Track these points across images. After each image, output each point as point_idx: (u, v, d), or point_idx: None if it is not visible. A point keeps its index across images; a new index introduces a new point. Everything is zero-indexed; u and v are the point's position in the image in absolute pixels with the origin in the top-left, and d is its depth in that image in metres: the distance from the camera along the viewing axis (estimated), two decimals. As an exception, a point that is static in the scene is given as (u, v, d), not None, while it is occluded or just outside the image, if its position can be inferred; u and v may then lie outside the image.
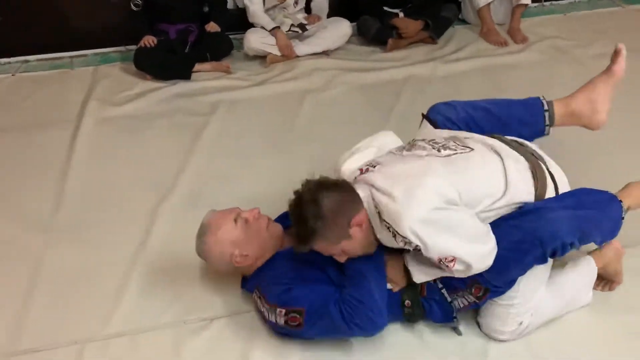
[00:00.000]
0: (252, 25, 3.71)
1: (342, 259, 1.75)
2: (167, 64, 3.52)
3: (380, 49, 3.78)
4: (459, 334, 1.88)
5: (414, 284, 1.80)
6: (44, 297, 2.11)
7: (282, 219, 2.00)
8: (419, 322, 1.89)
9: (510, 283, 1.74)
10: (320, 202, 1.63)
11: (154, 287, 2.13)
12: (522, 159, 1.81)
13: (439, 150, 1.77)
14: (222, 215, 1.94)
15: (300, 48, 3.69)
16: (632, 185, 1.91)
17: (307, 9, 3.85)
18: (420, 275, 1.78)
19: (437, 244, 1.62)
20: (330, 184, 1.70)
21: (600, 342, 1.86)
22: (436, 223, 1.62)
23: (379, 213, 1.68)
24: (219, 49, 3.66)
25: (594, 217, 1.75)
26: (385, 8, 3.79)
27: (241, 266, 1.91)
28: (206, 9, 3.71)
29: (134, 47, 3.60)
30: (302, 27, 3.74)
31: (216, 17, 3.68)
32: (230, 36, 3.78)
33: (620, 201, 1.82)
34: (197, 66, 3.55)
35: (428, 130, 1.96)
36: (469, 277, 1.72)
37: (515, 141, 1.89)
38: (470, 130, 1.96)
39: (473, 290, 1.76)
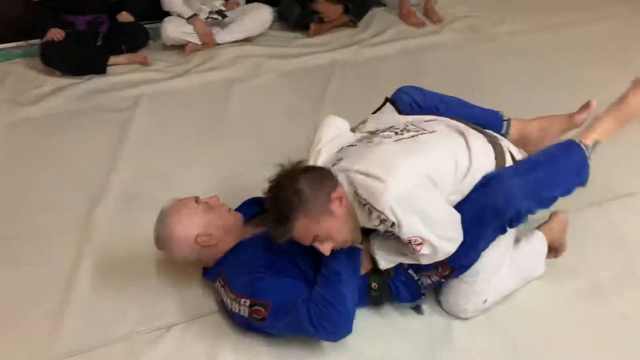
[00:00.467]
0: (167, 14, 3.55)
1: (326, 249, 1.66)
2: (79, 59, 3.30)
3: (303, 34, 3.74)
4: (422, 313, 1.90)
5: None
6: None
7: (241, 210, 1.97)
8: (385, 304, 1.89)
9: (474, 259, 1.76)
10: (298, 179, 1.61)
11: (99, 300, 1.98)
12: (482, 136, 1.84)
13: (402, 134, 1.77)
14: (182, 200, 1.90)
15: (221, 36, 3.58)
16: (596, 120, 1.91)
17: (224, -5, 3.73)
18: (385, 262, 1.78)
19: (411, 222, 1.61)
20: (306, 166, 1.71)
21: (553, 307, 1.94)
22: (413, 201, 1.62)
23: (355, 192, 1.65)
24: (134, 40, 3.48)
25: (547, 174, 1.77)
26: (306, -8, 3.75)
27: (205, 249, 1.84)
28: (115, -3, 3.51)
29: (37, 41, 3.34)
30: (221, 14, 3.61)
31: (127, 6, 3.48)
32: (146, 26, 3.60)
33: (579, 143, 1.84)
34: (112, 59, 3.36)
35: (387, 115, 1.94)
36: None
37: (478, 126, 1.92)
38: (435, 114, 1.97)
39: (440, 269, 1.77)
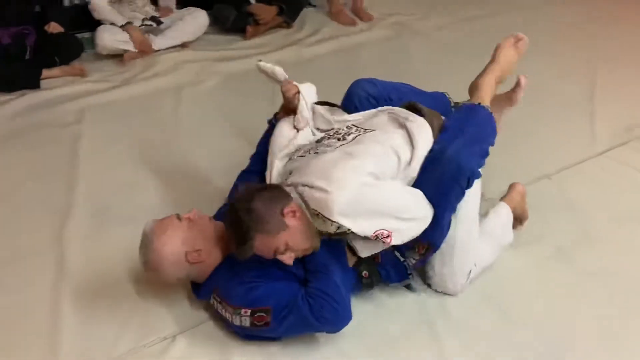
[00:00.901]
0: (100, 23, 3.42)
1: (289, 260, 1.72)
2: (9, 74, 3.11)
3: (239, 37, 3.73)
4: (414, 290, 1.98)
5: None
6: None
7: (220, 218, 1.94)
8: (375, 289, 1.95)
9: (446, 230, 1.85)
10: (251, 199, 1.67)
11: (91, 319, 1.89)
12: (422, 119, 1.92)
13: (344, 139, 1.87)
14: (162, 220, 1.84)
15: (157, 42, 3.51)
16: (477, 84, 2.08)
17: (154, 0, 3.65)
18: (365, 250, 1.84)
19: (367, 224, 1.70)
20: (258, 187, 1.77)
21: (529, 270, 2.08)
22: (363, 203, 1.69)
23: (305, 203, 1.72)
24: (67, 51, 3.33)
25: (476, 130, 1.91)
26: (239, -5, 3.75)
27: (196, 266, 1.81)
28: (38, 8, 3.35)
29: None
30: (155, 20, 3.54)
31: (54, 16, 3.33)
32: (77, 35, 3.45)
33: (479, 103, 2.01)
34: (45, 72, 3.21)
35: (336, 115, 2.05)
36: None
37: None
38: (389, 104, 2.06)
39: (417, 249, 1.86)
